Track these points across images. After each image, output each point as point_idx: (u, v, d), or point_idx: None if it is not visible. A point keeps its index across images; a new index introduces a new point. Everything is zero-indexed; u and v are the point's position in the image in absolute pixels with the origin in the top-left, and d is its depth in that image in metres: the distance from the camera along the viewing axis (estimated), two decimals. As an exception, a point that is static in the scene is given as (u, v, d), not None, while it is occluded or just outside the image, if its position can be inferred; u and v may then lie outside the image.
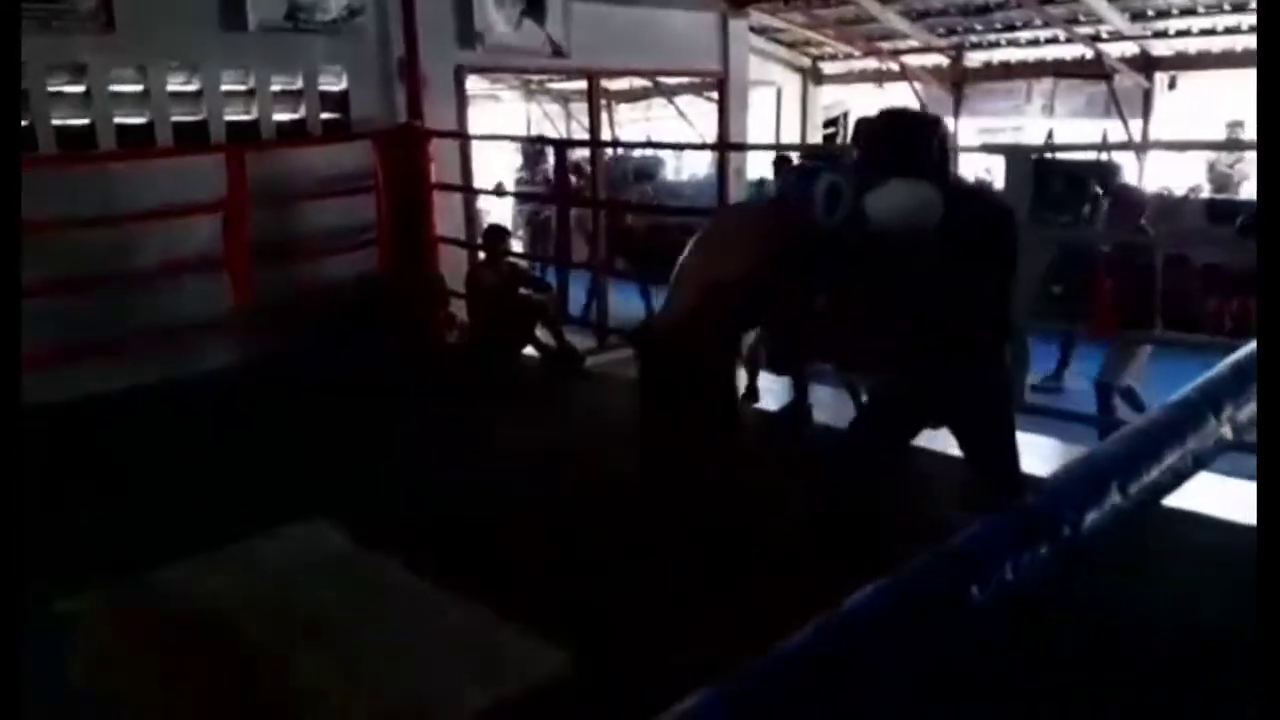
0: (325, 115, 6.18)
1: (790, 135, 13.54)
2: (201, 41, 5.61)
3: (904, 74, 12.50)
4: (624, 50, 7.63)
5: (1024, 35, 11.37)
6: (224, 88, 5.76)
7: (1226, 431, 0.65)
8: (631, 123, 13.99)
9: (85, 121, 5.31)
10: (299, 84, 6.05)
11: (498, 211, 9.63)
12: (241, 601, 3.03)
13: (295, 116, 6.09)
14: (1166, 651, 2.66)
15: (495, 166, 11.71)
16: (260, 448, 4.45)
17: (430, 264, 6.41)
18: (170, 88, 5.56)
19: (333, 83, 6.21)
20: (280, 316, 5.69)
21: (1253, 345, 0.79)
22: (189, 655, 2.75)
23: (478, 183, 7.53)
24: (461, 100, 6.86)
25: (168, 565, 3.23)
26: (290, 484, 4.02)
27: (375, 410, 5.00)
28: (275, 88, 5.96)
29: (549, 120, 14.51)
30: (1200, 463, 0.59)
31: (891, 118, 2.63)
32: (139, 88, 5.46)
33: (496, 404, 5.20)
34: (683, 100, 11.89)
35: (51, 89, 5.16)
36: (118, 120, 5.39)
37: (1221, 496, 3.12)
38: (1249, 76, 10.12)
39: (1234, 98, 10.35)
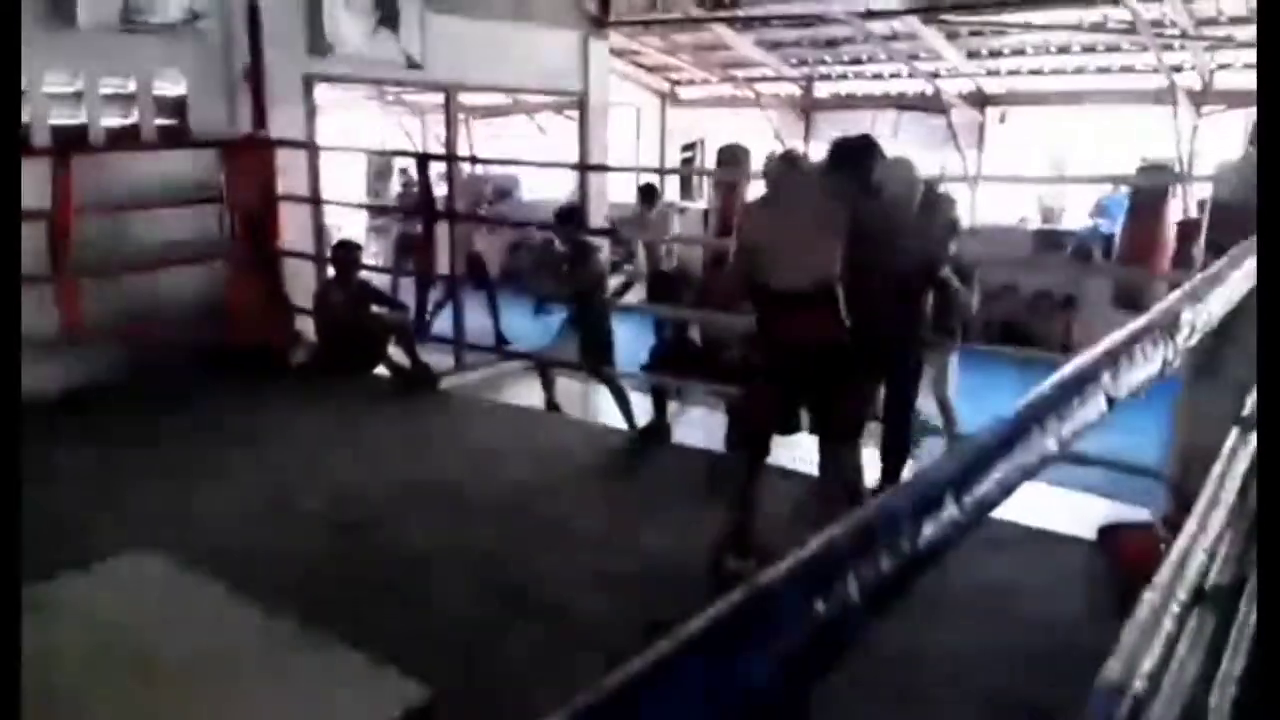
0: (162, 121, 5.87)
1: (649, 156, 13.75)
2: (25, 38, 5.23)
3: (758, 101, 12.89)
4: (483, 66, 7.57)
5: (870, 69, 11.93)
6: (50, 89, 5.40)
7: (1052, 445, 0.68)
8: (490, 140, 13.89)
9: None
10: (133, 88, 5.73)
11: (352, 226, 9.38)
12: (59, 642, 2.81)
13: (128, 122, 5.76)
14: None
15: (350, 179, 11.41)
16: (82, 477, 4.17)
17: (275, 280, 6.16)
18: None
19: (170, 88, 5.90)
20: (112, 337, 5.35)
21: (1077, 361, 0.84)
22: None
23: (330, 196, 7.31)
24: (310, 110, 6.65)
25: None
26: (115, 516, 3.77)
27: (211, 437, 4.76)
28: (106, 91, 5.62)
29: (406, 134, 14.25)
30: (1028, 475, 0.63)
31: (868, 141, 3.51)
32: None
33: (341, 428, 5.03)
34: (542, 118, 11.90)
35: None
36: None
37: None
38: (1071, 113, 10.94)
39: (1056, 131, 11.18)
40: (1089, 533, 3.63)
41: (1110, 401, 0.82)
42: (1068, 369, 0.78)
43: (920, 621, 2.96)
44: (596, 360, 5.55)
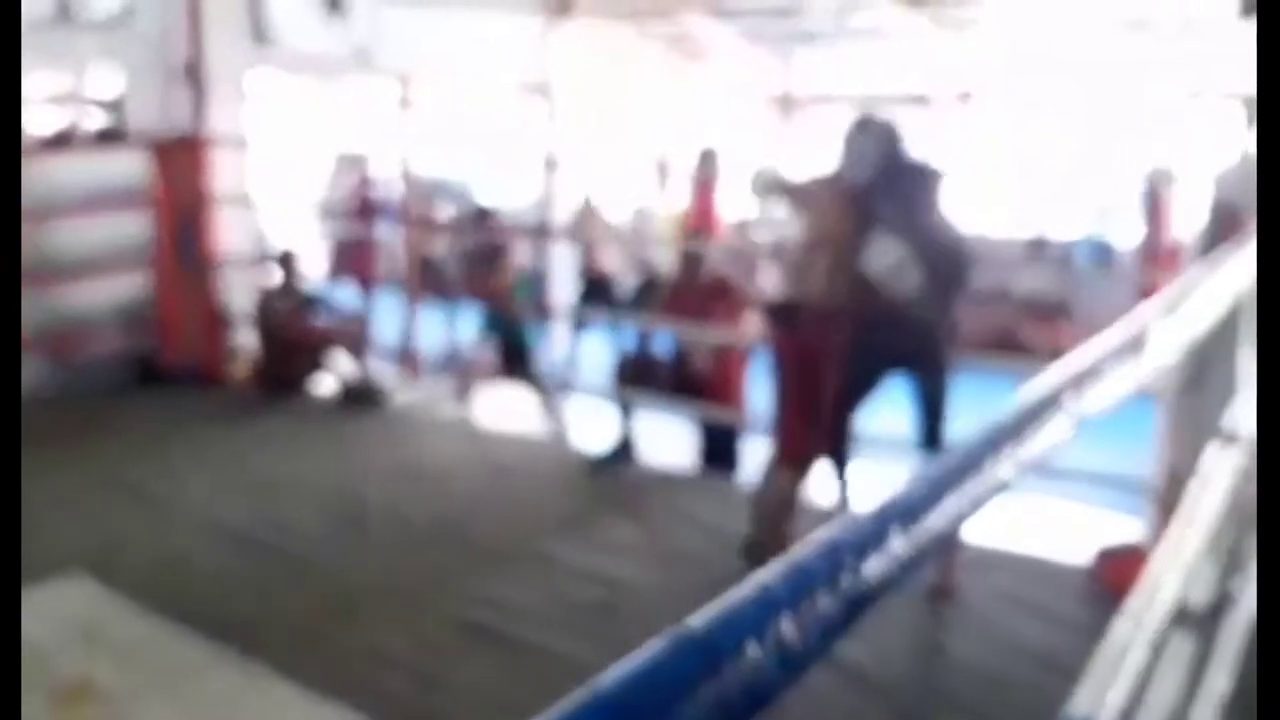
0: (96, 121, 5.81)
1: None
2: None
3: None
4: (436, 55, 7.56)
5: (851, 64, 12.07)
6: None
7: (1006, 471, 0.71)
8: (450, 134, 13.82)
9: None
10: (65, 85, 5.66)
11: (310, 231, 9.32)
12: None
13: (60, 122, 5.70)
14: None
15: (303, 177, 11.33)
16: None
17: (209, 289, 6.09)
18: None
19: (106, 86, 5.83)
20: (34, 350, 5.29)
21: (1038, 384, 0.87)
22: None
23: (279, 197, 7.26)
24: (252, 106, 6.60)
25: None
26: (38, 539, 3.72)
27: (139, 456, 4.72)
28: (38, 89, 5.55)
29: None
30: (977, 506, 0.65)
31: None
32: None
33: (279, 446, 5.00)
34: (503, 111, 11.86)
35: None
36: None
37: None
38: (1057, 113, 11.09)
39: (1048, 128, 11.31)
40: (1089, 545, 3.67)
41: (1076, 424, 0.85)
42: (1028, 392, 0.81)
43: (898, 645, 3.01)
44: (516, 367, 5.61)
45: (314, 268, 8.19)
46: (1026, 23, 9.82)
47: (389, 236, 8.26)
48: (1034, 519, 4.20)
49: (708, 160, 9.43)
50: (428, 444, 5.15)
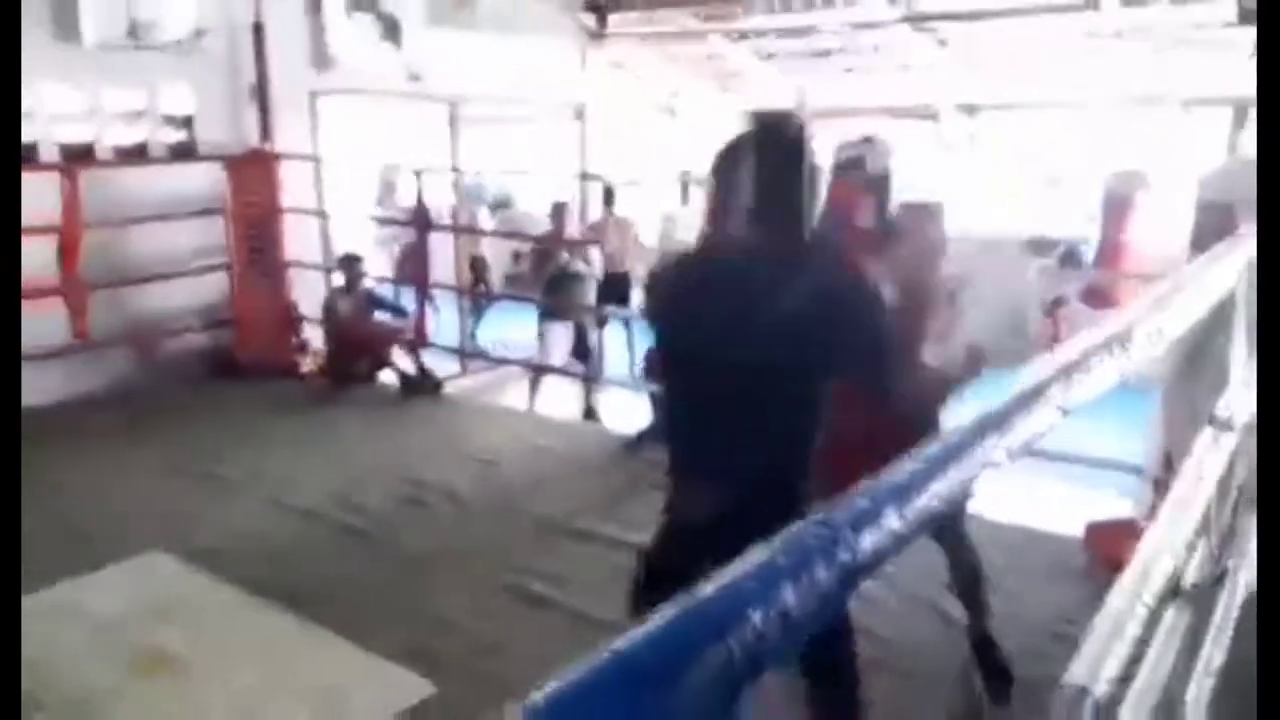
0: (170, 136, 5.90)
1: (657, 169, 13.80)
2: (33, 56, 5.26)
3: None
4: (483, 77, 7.60)
5: (862, 79, 11.94)
6: (58, 106, 5.43)
7: (999, 456, 0.70)
8: (494, 150, 13.90)
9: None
10: (141, 104, 5.76)
11: (365, 237, 9.40)
12: (72, 641, 2.84)
13: (137, 137, 5.79)
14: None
15: (364, 188, 11.44)
16: (92, 482, 4.20)
17: (280, 291, 6.19)
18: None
19: (178, 103, 5.93)
20: (121, 347, 5.40)
21: (1028, 374, 0.86)
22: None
23: (338, 207, 7.35)
24: (315, 124, 6.68)
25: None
26: (125, 520, 3.80)
27: (217, 443, 4.79)
28: (115, 107, 5.65)
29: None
30: (966, 487, 0.65)
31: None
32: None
33: (345, 433, 5.06)
34: (543, 129, 11.90)
35: None
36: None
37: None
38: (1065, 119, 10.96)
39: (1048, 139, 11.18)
40: (1077, 526, 3.64)
41: (1063, 412, 0.84)
42: (1020, 383, 0.81)
43: (889, 615, 2.99)
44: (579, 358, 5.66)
45: (375, 271, 8.26)
46: (1020, 36, 9.69)
47: (442, 242, 8.32)
48: (1029, 496, 4.18)
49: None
50: (481, 429, 5.20)
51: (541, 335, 6.43)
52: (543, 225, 8.19)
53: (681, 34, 10.85)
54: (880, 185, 2.60)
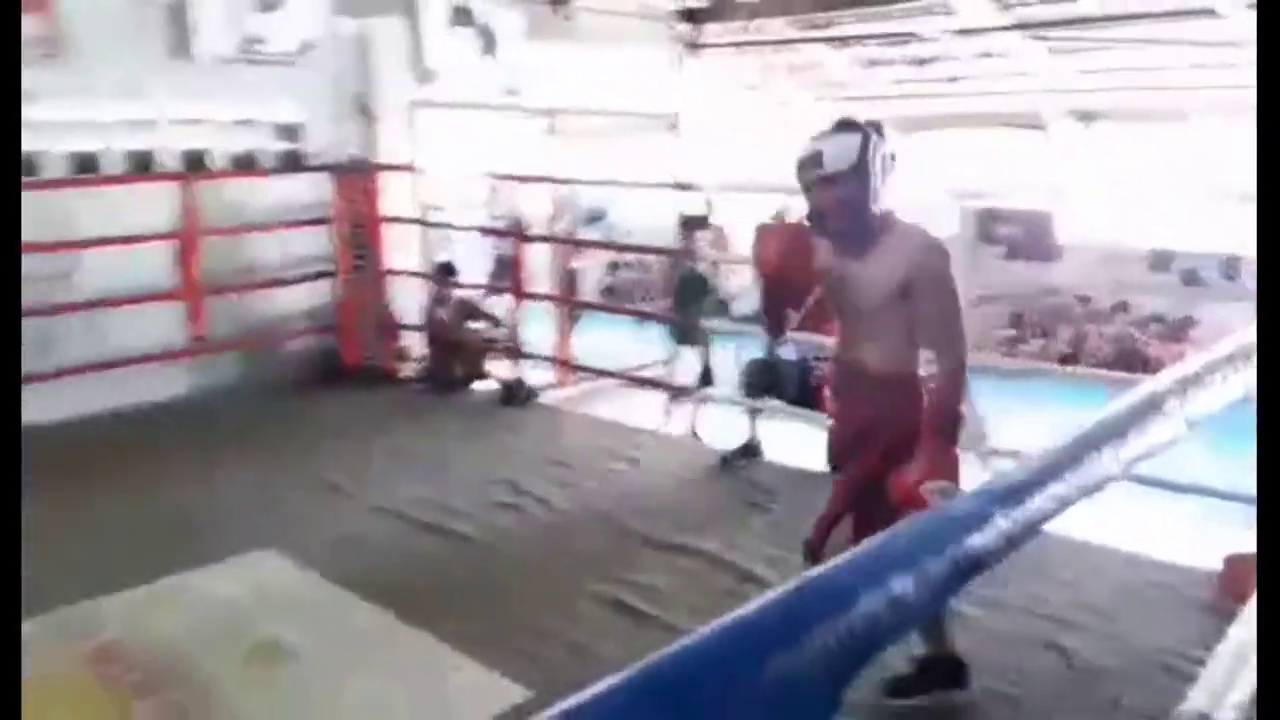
0: (279, 147, 6.19)
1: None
2: (151, 71, 5.59)
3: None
4: (578, 89, 7.74)
5: (968, 86, 11.72)
6: (176, 117, 5.74)
7: (1114, 468, 0.71)
8: (590, 161, 14.08)
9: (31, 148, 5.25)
10: (251, 115, 6.05)
11: (468, 247, 9.64)
12: (188, 630, 2.99)
13: (248, 148, 6.09)
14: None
15: (464, 199, 11.73)
16: (204, 479, 4.41)
17: (381, 297, 6.41)
18: (121, 116, 5.53)
19: (287, 115, 6.21)
20: (233, 348, 5.68)
21: (1148, 385, 0.86)
22: (130, 684, 2.71)
23: (447, 217, 7.58)
24: (414, 135, 6.90)
25: (110, 594, 3.18)
26: (234, 516, 3.99)
27: (321, 444, 4.99)
28: (228, 118, 5.95)
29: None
30: (1085, 493, 0.66)
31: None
32: (90, 116, 5.43)
33: (444, 438, 5.20)
34: (639, 140, 12.01)
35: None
36: (69, 149, 5.36)
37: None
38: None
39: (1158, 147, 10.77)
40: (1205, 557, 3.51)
41: (1189, 424, 0.84)
42: (1135, 394, 0.81)
43: (1013, 643, 2.93)
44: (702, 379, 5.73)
45: (475, 279, 8.46)
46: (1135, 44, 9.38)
47: (538, 253, 8.48)
48: (1161, 521, 4.05)
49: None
50: (577, 440, 5.28)
51: (672, 358, 6.54)
52: (639, 237, 8.27)
53: (781, 42, 10.84)
54: (843, 180, 2.47)
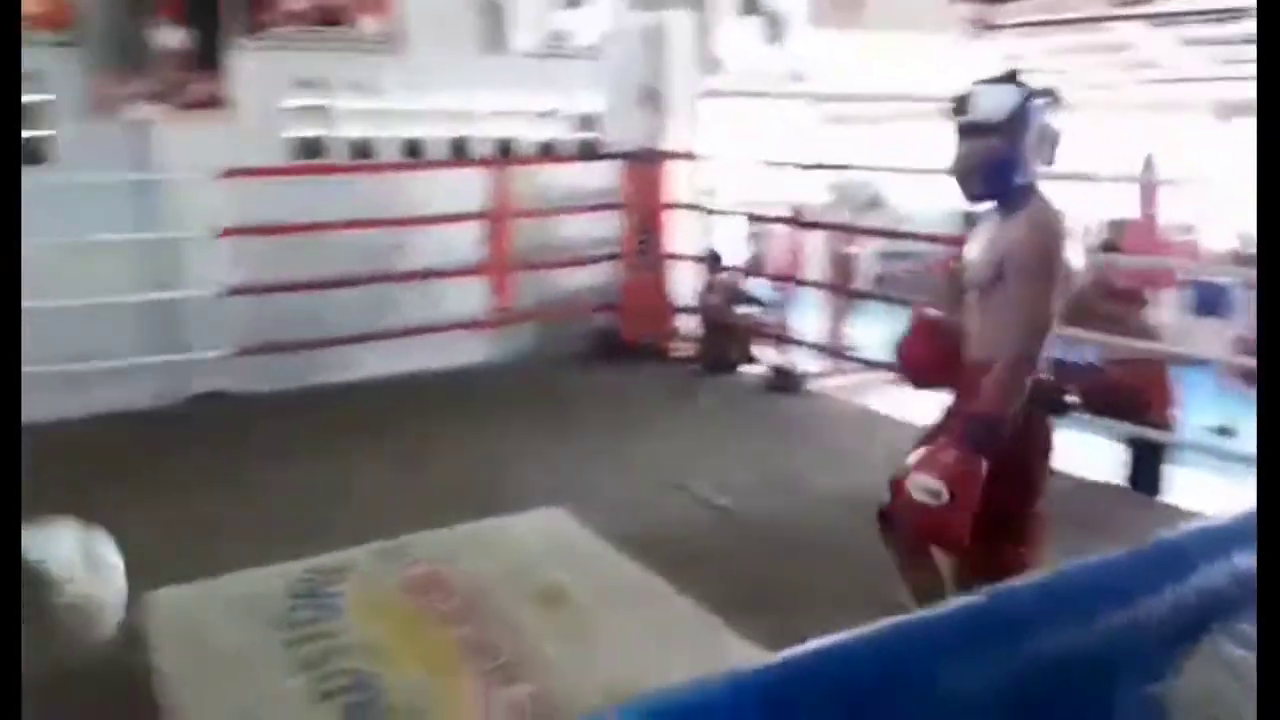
0: (577, 136, 6.62)
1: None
2: (472, 65, 6.15)
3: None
4: (863, 75, 7.66)
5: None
6: (490, 108, 6.28)
7: None
8: (869, 146, 13.86)
9: (367, 135, 5.96)
10: (555, 106, 6.51)
11: (736, 232, 9.86)
12: (487, 569, 3.32)
13: (553, 136, 6.56)
14: None
15: (743, 185, 11.98)
16: (503, 438, 4.86)
17: (662, 281, 6.70)
18: (445, 107, 6.14)
19: (587, 105, 6.62)
20: (531, 319, 6.27)
21: None
22: (439, 609, 3.06)
23: (726, 202, 7.78)
24: (698, 123, 7.12)
25: (423, 530, 3.59)
26: (531, 475, 4.36)
27: (601, 415, 5.36)
28: (534, 109, 6.44)
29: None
30: None
31: None
32: (419, 106, 6.07)
33: (711, 417, 5.39)
34: (920, 125, 11.68)
35: (343, 105, 5.85)
36: (402, 135, 6.03)
37: None
38: None
39: None
40: None
41: None
42: None
43: None
44: None
45: (748, 265, 8.60)
46: None
47: (810, 239, 8.50)
48: None
49: (1149, 168, 8.63)
50: (847, 429, 5.29)
51: None
52: (916, 226, 8.06)
53: (1088, 21, 10.14)
54: (987, 133, 2.34)
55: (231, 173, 5.19)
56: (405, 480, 4.30)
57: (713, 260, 6.56)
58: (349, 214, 5.50)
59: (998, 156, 2.35)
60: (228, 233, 5.24)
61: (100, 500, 2.60)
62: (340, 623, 2.99)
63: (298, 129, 5.74)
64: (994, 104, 2.35)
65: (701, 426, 5.22)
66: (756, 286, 7.92)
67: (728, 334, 6.31)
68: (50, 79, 4.97)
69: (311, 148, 5.78)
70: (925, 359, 2.76)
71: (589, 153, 6.60)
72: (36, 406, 4.07)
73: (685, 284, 6.73)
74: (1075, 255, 2.37)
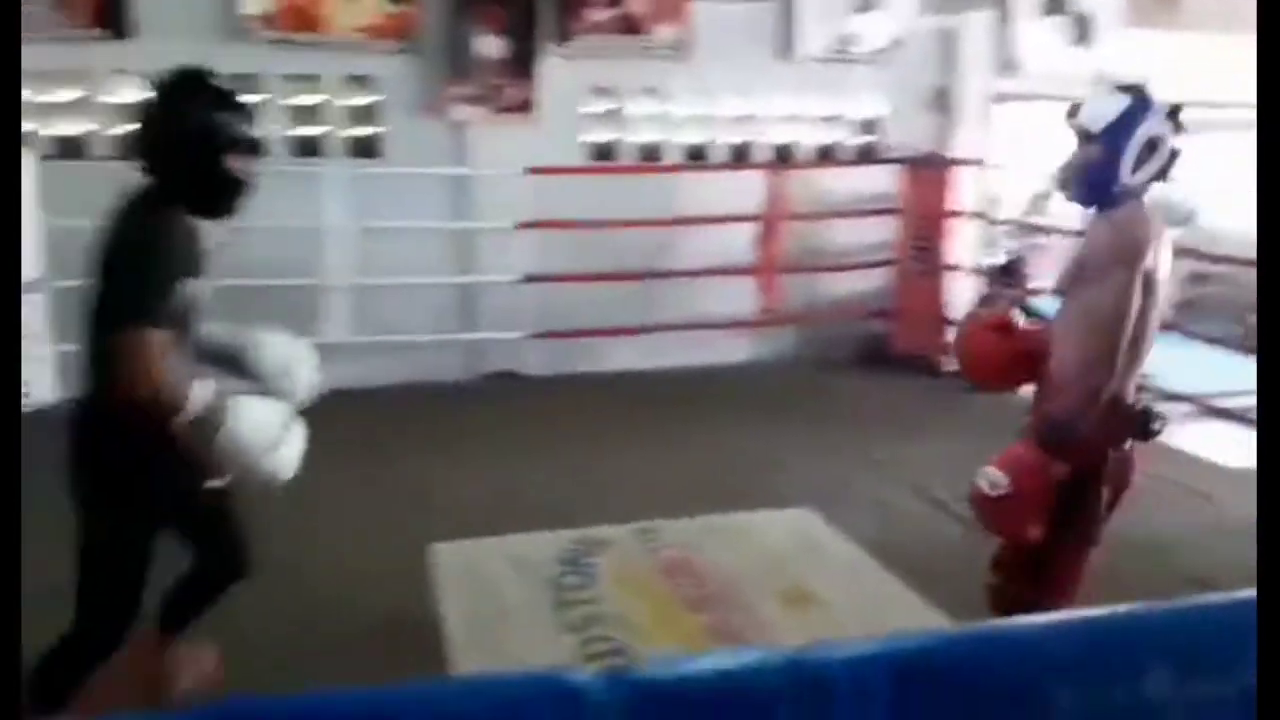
0: (857, 140, 6.61)
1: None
2: (758, 71, 6.31)
3: None
4: (1184, 80, 7.06)
5: None
6: (773, 113, 6.42)
7: None
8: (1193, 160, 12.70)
9: (655, 139, 6.28)
10: (838, 110, 6.54)
11: (1027, 244, 9.41)
12: (735, 563, 3.47)
13: (834, 140, 6.61)
14: None
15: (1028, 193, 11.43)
16: (764, 437, 5.00)
17: (938, 290, 6.53)
18: (727, 111, 6.35)
19: (872, 109, 6.60)
20: (797, 322, 6.41)
21: None
22: (689, 595, 3.24)
23: (1011, 211, 7.50)
24: (989, 128, 6.87)
25: (677, 517, 3.79)
26: (786, 473, 4.48)
27: (865, 421, 5.37)
28: (817, 114, 6.51)
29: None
30: None
31: None
32: (706, 111, 6.32)
33: (971, 435, 5.23)
34: (1246, 136, 10.56)
35: (634, 110, 6.21)
36: (686, 140, 6.32)
37: None
38: None
39: None
40: None
41: None
42: None
43: None
44: None
45: (1035, 279, 8.20)
46: None
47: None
48: None
49: None
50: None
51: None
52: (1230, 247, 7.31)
53: None
54: (1091, 141, 2.38)
55: (535, 170, 5.70)
56: (662, 468, 4.55)
57: (1000, 272, 6.30)
58: (634, 213, 5.85)
59: (1096, 164, 2.40)
60: (524, 225, 5.74)
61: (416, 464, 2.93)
62: (599, 592, 3.23)
63: (594, 132, 6.17)
64: (1097, 113, 2.41)
65: (962, 443, 5.08)
66: (1041, 303, 7.55)
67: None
68: (386, 82, 5.71)
69: (604, 150, 6.20)
70: (981, 360, 2.92)
71: (868, 157, 6.58)
72: (355, 372, 4.79)
73: (963, 296, 6.53)
74: (1163, 262, 2.38)
